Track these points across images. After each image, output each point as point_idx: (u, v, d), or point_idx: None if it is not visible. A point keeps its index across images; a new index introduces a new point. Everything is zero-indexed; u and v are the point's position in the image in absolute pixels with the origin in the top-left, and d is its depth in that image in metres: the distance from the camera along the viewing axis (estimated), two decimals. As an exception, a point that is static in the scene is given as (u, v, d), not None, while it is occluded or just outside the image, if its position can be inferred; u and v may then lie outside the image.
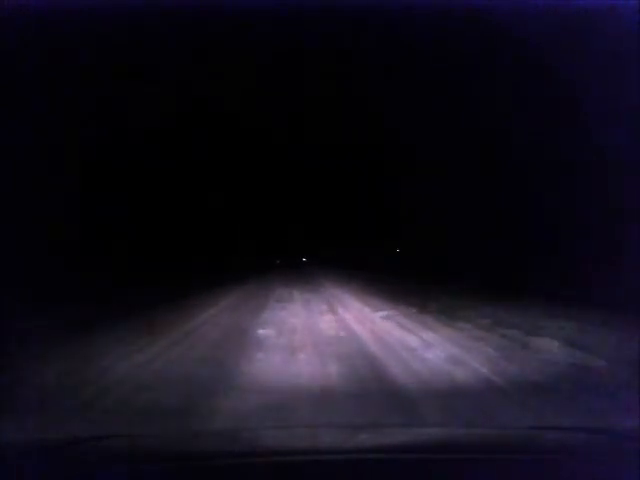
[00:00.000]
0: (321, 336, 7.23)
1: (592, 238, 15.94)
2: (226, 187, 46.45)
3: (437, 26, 21.25)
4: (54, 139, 18.75)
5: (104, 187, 22.57)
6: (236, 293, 14.82)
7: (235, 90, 43.09)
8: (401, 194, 43.71)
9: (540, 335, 6.76)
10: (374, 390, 4.41)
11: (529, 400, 4.11)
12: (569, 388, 4.46)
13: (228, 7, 17.70)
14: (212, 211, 41.16)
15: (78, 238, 19.39)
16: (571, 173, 18.88)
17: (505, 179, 24.48)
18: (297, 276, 25.90)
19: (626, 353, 5.52)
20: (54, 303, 10.49)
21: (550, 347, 6.10)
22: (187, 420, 3.64)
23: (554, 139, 20.87)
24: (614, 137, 15.31)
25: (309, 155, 61.92)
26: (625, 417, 3.55)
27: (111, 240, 22.32)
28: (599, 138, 16.74)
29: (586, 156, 17.53)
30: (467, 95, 27.80)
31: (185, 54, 28.52)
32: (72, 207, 19.93)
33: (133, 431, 3.23)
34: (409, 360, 5.53)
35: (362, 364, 5.38)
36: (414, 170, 38.07)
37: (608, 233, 14.71)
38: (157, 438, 2.15)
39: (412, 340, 6.75)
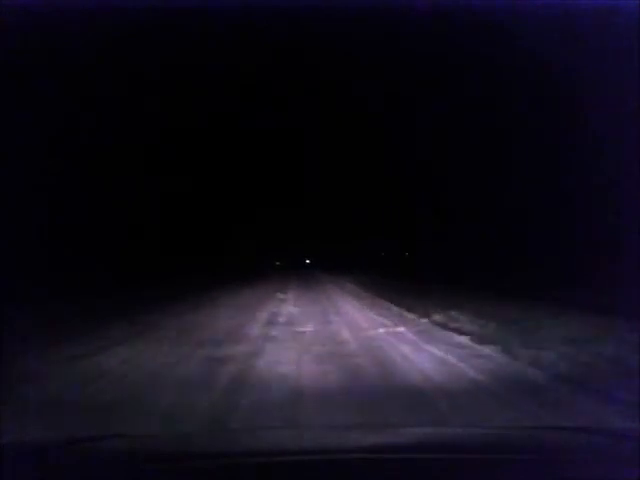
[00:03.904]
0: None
1: (592, 239, 15.94)
2: (223, 183, 45.96)
3: (437, 26, 21.25)
4: (54, 138, 18.74)
5: (104, 186, 22.58)
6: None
7: (235, 89, 43.15)
8: (407, 195, 43.70)
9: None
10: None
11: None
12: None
13: (228, 6, 17.72)
14: (208, 208, 40.69)
15: (77, 238, 19.43)
16: (572, 173, 18.87)
17: (507, 180, 24.48)
18: (298, 284, 21.52)
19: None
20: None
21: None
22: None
23: (555, 139, 20.88)
24: (615, 136, 15.31)
25: (311, 153, 61.71)
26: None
27: (111, 239, 22.33)
28: (600, 137, 16.74)
29: (587, 156, 17.54)
30: (469, 96, 27.81)
31: (184, 52, 28.53)
32: (73, 205, 19.95)
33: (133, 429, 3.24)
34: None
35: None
36: (418, 171, 38.10)
37: (607, 234, 14.72)
38: (157, 438, 2.15)
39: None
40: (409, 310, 10.93)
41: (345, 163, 58.21)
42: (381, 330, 8.38)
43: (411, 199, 42.32)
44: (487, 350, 6.45)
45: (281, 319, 10.08)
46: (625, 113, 13.96)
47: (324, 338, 7.67)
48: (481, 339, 7.16)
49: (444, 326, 8.61)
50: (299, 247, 74.39)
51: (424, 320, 9.44)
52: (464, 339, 7.32)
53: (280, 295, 15.94)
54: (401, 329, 8.43)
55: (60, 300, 12.39)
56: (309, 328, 8.74)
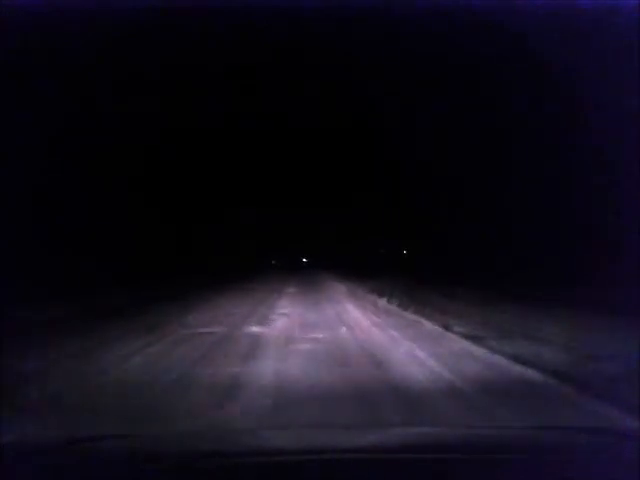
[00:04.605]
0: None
1: (591, 239, 15.94)
2: (222, 183, 45.73)
3: (437, 26, 21.24)
4: (54, 138, 18.74)
5: (104, 186, 22.59)
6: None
7: (236, 89, 43.13)
8: (408, 196, 43.68)
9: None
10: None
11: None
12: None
13: (228, 6, 17.73)
14: (208, 207, 40.43)
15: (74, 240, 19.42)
16: (572, 173, 18.86)
17: (507, 180, 24.47)
18: (297, 288, 19.25)
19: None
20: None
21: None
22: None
23: (555, 139, 20.88)
24: (615, 136, 15.30)
25: (311, 152, 61.51)
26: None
27: (110, 239, 22.32)
28: (600, 137, 16.74)
29: (586, 156, 17.53)
30: (469, 96, 27.82)
31: (184, 52, 28.53)
32: (73, 205, 19.95)
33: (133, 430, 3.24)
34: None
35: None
36: (418, 171, 38.08)
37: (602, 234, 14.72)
38: (157, 438, 2.15)
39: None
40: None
41: (345, 163, 58.24)
42: None
43: (411, 199, 42.33)
44: None
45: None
46: (625, 113, 13.95)
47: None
48: None
49: None
50: (297, 246, 74.28)
51: None
52: None
53: (255, 328, 8.60)
54: None
55: (60, 300, 12.39)
56: None
